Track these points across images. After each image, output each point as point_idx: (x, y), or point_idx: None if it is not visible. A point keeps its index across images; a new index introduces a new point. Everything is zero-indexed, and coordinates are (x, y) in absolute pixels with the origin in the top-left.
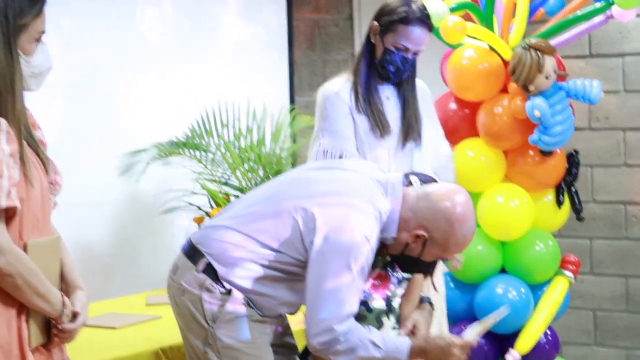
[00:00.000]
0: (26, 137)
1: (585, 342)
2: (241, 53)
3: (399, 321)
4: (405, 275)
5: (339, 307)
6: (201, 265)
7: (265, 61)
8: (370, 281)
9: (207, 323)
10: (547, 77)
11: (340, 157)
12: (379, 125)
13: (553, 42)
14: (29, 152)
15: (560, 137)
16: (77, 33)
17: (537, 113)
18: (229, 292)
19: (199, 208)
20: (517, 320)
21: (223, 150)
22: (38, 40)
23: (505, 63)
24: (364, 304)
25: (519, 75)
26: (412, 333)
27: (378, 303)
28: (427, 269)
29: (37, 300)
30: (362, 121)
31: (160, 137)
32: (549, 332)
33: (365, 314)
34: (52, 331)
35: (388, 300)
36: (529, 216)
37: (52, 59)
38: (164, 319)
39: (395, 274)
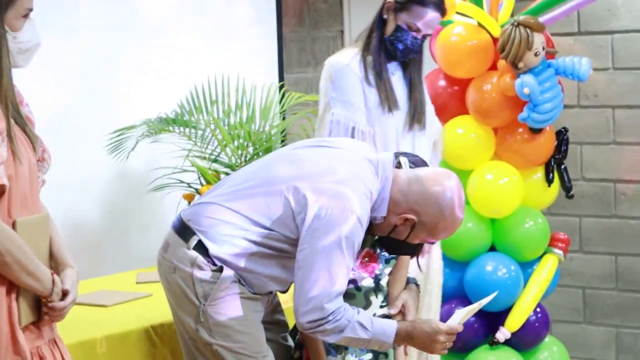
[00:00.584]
0: (13, 114)
1: (575, 320)
2: (230, 29)
3: (387, 300)
4: (394, 255)
5: (329, 285)
6: (192, 242)
7: (254, 38)
8: (359, 260)
9: (199, 300)
10: (536, 55)
11: (353, 128)
12: (388, 99)
13: (542, 19)
14: (16, 129)
15: (550, 115)
16: (65, 11)
17: (526, 90)
18: (220, 269)
19: (189, 185)
20: (507, 298)
21: (213, 127)
22: (25, 16)
23: (495, 40)
24: (353, 282)
25: (508, 53)
26: (401, 313)
27: (366, 282)
28: (412, 252)
29: (26, 279)
30: (372, 94)
31: (150, 114)
32: (538, 310)
33: (354, 292)
34: (42, 309)
35: (376, 279)
36: (518, 194)
37: (40, 35)
38: (155, 296)
39: (383, 253)
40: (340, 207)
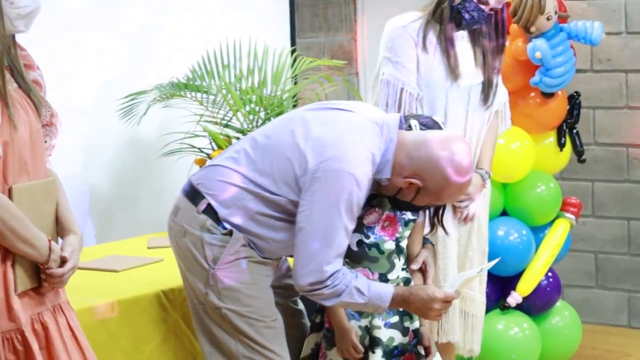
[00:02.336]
0: (17, 79)
1: (587, 285)
2: (244, 2)
3: (407, 261)
4: (412, 217)
5: (328, 248)
6: (202, 205)
7: (266, 2)
8: (379, 223)
9: (208, 264)
10: (548, 19)
11: (402, 89)
12: (452, 69)
13: None
14: (17, 93)
15: (562, 79)
16: None
17: (538, 54)
18: (230, 232)
19: (201, 150)
20: (519, 262)
21: (224, 92)
22: None
23: (507, 4)
24: (376, 246)
25: (520, 17)
26: (422, 270)
27: (389, 244)
28: (419, 210)
29: (21, 246)
30: (426, 59)
31: (161, 79)
32: (550, 275)
33: (377, 256)
34: (41, 276)
35: (397, 241)
36: (530, 158)
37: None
38: (165, 262)
39: (402, 215)
40: (339, 170)
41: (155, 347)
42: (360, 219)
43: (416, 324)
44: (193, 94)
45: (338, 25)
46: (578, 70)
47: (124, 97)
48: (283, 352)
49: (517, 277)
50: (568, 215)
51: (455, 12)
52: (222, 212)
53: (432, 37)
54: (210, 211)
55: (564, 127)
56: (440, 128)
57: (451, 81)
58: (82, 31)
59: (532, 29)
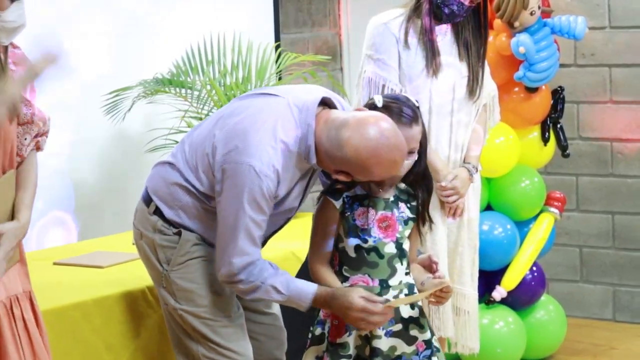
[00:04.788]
0: None
1: (572, 279)
2: None
3: (410, 266)
4: (410, 215)
5: (234, 241)
6: (152, 207)
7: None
8: (375, 224)
9: (162, 266)
10: (531, 14)
11: (383, 86)
12: (434, 63)
13: None
14: None
15: (546, 74)
16: None
17: (522, 49)
18: (179, 232)
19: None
20: (503, 256)
21: (209, 87)
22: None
23: (490, 0)
24: (375, 250)
25: (503, 12)
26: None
27: (389, 247)
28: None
29: None
30: (408, 55)
31: (145, 74)
32: (535, 269)
33: (377, 261)
34: None
35: (398, 243)
36: (514, 153)
37: (26, 17)
38: None
39: (401, 214)
40: (239, 162)
41: (141, 343)
42: (352, 222)
43: (427, 335)
44: (177, 89)
45: (322, 21)
46: (562, 65)
47: (108, 92)
48: (242, 349)
49: (502, 271)
50: (552, 209)
51: (435, 7)
52: (167, 212)
53: (413, 34)
54: (159, 212)
55: (548, 122)
56: (412, 105)
57: (433, 75)
58: (66, 27)
59: (516, 24)
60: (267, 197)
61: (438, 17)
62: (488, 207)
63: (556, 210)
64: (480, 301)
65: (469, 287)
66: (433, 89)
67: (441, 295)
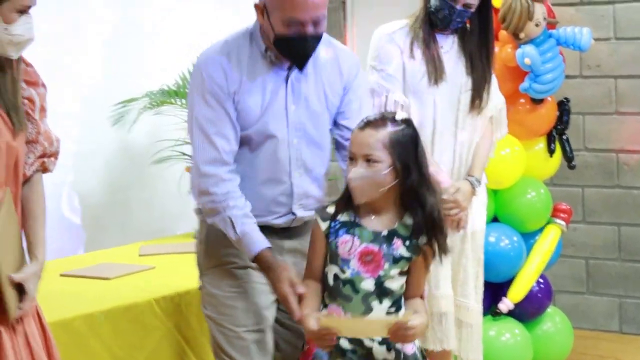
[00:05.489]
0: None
1: (578, 291)
2: (231, 1)
3: (398, 304)
4: (405, 254)
5: (195, 144)
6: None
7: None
8: (357, 256)
9: (199, 267)
10: (537, 25)
11: (386, 97)
12: (435, 70)
13: None
14: None
15: (551, 85)
16: None
17: (527, 61)
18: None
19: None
20: (510, 268)
21: None
22: (22, 12)
23: (496, 10)
24: (351, 283)
25: (509, 23)
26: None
27: (366, 284)
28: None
29: None
30: (413, 66)
31: (152, 86)
32: (541, 281)
33: (351, 295)
34: None
35: (379, 281)
36: (520, 164)
37: (34, 32)
38: (157, 269)
39: (391, 250)
40: (196, 66)
41: (147, 355)
42: (334, 248)
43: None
44: (183, 101)
45: (328, 32)
46: (567, 76)
47: (114, 104)
48: None
49: (508, 283)
50: (558, 221)
51: (432, 15)
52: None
53: (418, 44)
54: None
55: (554, 133)
56: (384, 115)
57: (435, 83)
58: (72, 38)
59: (521, 35)
60: (212, 90)
61: (434, 24)
62: (494, 219)
63: (562, 222)
64: (486, 313)
65: (472, 300)
66: (437, 100)
67: (399, 334)
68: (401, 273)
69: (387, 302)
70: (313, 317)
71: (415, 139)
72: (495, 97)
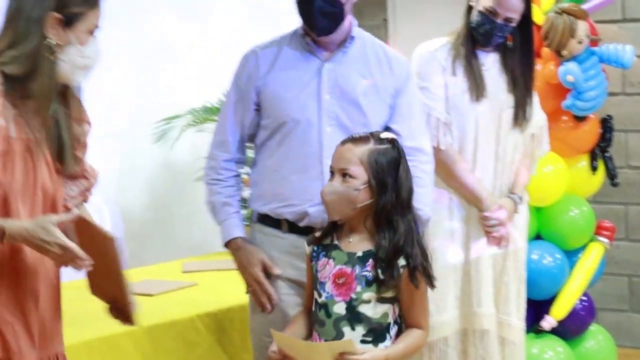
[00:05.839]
0: (52, 130)
1: (621, 308)
2: (275, 16)
3: (374, 334)
4: (381, 276)
5: (217, 127)
6: None
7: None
8: (331, 279)
9: None
10: (579, 42)
11: (428, 114)
12: (477, 87)
13: (585, 6)
14: (36, 145)
15: (594, 102)
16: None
17: (570, 78)
18: None
19: None
20: (553, 286)
21: None
22: (92, 32)
23: (538, 28)
24: (325, 307)
25: (551, 40)
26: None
27: (338, 307)
28: None
29: None
30: (455, 84)
31: (195, 103)
32: (584, 298)
33: (324, 319)
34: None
35: (351, 305)
36: (563, 182)
37: (100, 53)
38: (200, 286)
39: (363, 272)
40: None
41: None
42: (315, 272)
43: None
44: None
45: None
46: (610, 94)
47: (157, 121)
48: None
49: (551, 300)
50: (601, 238)
51: (473, 30)
52: None
53: (459, 61)
54: None
55: (597, 151)
56: (371, 134)
57: (477, 100)
58: (116, 56)
59: (564, 53)
60: (241, 76)
61: (476, 40)
62: (537, 237)
63: (606, 240)
64: (529, 330)
65: (515, 317)
66: (479, 117)
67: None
68: (383, 300)
69: (360, 329)
70: (275, 335)
71: (397, 161)
72: (537, 114)
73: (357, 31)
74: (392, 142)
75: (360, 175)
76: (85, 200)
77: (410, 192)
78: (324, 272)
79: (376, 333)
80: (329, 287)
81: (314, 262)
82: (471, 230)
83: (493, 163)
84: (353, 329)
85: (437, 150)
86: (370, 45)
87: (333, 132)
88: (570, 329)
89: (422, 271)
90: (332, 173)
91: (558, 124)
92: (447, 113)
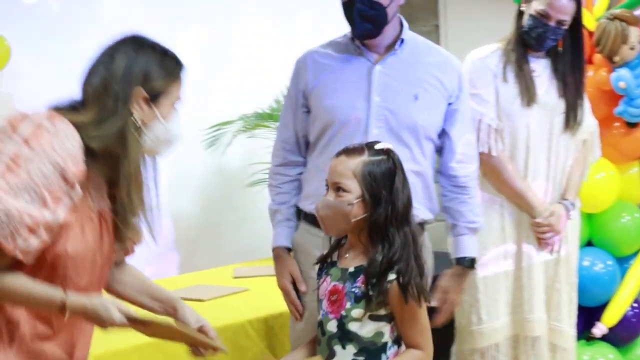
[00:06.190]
0: (123, 203)
1: None
2: (326, 24)
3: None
4: (368, 292)
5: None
6: None
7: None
8: (327, 296)
9: None
10: (632, 48)
11: (479, 120)
12: (528, 92)
13: (638, 12)
14: (104, 215)
15: None
16: (165, 9)
17: (622, 84)
18: None
19: None
20: (604, 293)
21: None
22: (174, 106)
23: (590, 34)
24: (321, 325)
25: (603, 47)
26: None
27: (331, 325)
28: None
29: None
30: (506, 90)
31: (246, 109)
32: (635, 305)
33: (320, 338)
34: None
35: (341, 322)
36: (614, 188)
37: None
38: (251, 291)
39: (353, 289)
40: None
41: None
42: (318, 291)
43: None
44: (277, 124)
45: None
46: None
47: (209, 127)
48: None
49: (602, 307)
50: None
51: (525, 35)
52: None
53: (511, 68)
54: None
55: None
56: (364, 145)
57: (528, 105)
58: None
59: (616, 59)
60: (293, 80)
61: (529, 44)
62: (589, 243)
63: None
64: (580, 337)
65: (566, 324)
66: (530, 123)
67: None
68: (375, 317)
69: (351, 348)
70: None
71: (392, 172)
72: (588, 119)
73: (410, 34)
74: (388, 152)
75: (354, 188)
76: (127, 254)
77: (408, 203)
78: (322, 290)
79: (369, 353)
80: (325, 304)
81: (318, 280)
82: (523, 237)
83: (545, 169)
84: (344, 347)
85: (488, 157)
86: (424, 48)
87: (380, 134)
88: (622, 336)
89: (414, 287)
90: (327, 187)
91: (610, 131)
92: (498, 119)
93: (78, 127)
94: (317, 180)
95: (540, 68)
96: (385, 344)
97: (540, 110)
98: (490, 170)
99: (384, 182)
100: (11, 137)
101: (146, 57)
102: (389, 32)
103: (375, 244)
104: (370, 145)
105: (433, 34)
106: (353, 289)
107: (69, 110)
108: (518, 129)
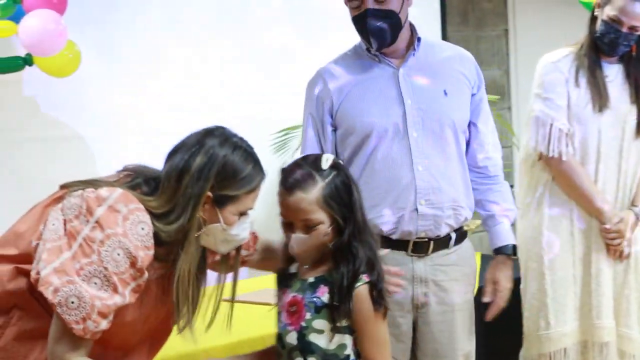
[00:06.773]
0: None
1: None
2: None
3: None
4: (328, 302)
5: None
6: None
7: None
8: (285, 308)
9: None
10: None
11: (551, 125)
12: (600, 97)
13: None
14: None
15: None
16: (236, 18)
17: None
18: None
19: None
20: None
21: None
22: (243, 214)
23: None
24: (280, 337)
25: None
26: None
27: (290, 337)
28: None
29: None
30: (578, 95)
31: None
32: None
33: (280, 351)
34: None
35: (301, 334)
36: None
37: (248, 232)
38: None
39: (313, 299)
40: None
41: None
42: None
43: None
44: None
45: (490, 60)
46: None
47: (277, 131)
48: None
49: None
50: None
51: (598, 41)
52: None
53: (583, 72)
54: None
55: None
56: (315, 169)
57: (599, 110)
58: (234, 71)
59: None
60: (312, 99)
61: (601, 50)
62: None
63: None
64: None
65: (635, 330)
66: (602, 128)
67: None
68: (337, 329)
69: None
70: None
71: (347, 185)
72: None
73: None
74: (334, 165)
75: (324, 219)
76: None
77: (363, 211)
78: (281, 302)
79: None
80: (284, 316)
81: (278, 292)
82: (592, 242)
83: (615, 175)
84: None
85: (559, 162)
86: (435, 44)
87: (419, 137)
88: None
89: (383, 291)
90: (291, 224)
91: None
92: (569, 124)
93: (149, 211)
94: (370, 196)
95: (613, 73)
96: (348, 356)
97: (612, 115)
98: (561, 175)
99: (346, 197)
100: (87, 219)
101: (226, 160)
102: (404, 35)
103: (340, 256)
104: (315, 166)
105: (502, 38)
106: (313, 299)
107: (143, 186)
108: (589, 134)
